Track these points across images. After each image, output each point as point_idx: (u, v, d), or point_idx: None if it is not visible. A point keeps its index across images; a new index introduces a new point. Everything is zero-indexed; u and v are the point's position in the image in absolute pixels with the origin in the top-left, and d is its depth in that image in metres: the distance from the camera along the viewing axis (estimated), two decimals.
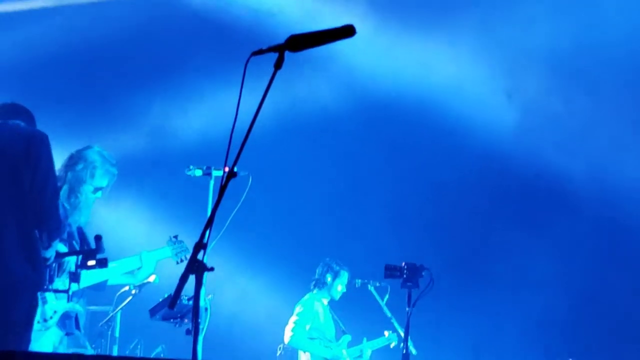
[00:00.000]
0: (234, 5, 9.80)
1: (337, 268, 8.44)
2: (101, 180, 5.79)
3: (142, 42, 9.83)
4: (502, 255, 9.62)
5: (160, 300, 6.05)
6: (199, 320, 3.53)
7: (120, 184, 6.16)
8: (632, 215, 9.11)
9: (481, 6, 9.58)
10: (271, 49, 3.12)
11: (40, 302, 5.21)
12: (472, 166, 9.73)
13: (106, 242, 5.47)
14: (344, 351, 8.34)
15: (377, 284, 8.40)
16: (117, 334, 7.97)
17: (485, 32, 9.54)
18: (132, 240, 8.83)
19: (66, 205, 5.65)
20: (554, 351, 9.10)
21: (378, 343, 8.52)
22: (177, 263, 6.37)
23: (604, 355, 9.14)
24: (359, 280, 8.45)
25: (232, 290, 9.65)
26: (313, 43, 3.15)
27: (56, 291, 5.37)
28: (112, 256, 5.77)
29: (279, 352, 8.62)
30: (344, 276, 8.46)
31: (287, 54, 3.11)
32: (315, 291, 8.46)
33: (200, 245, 3.18)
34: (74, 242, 5.65)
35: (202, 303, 5.81)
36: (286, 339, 8.19)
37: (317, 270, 8.52)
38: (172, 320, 6.06)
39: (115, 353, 7.84)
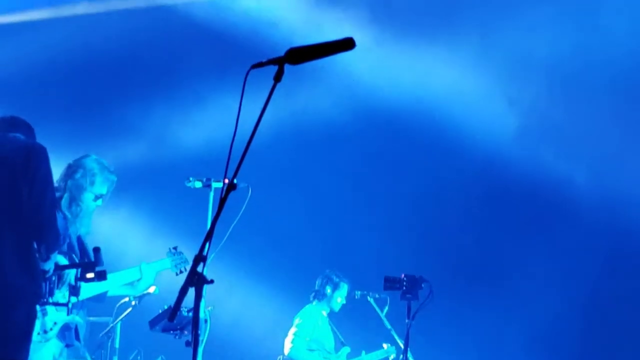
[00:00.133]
0: (235, 15, 9.79)
1: (337, 280, 8.42)
2: (101, 187, 5.78)
3: (142, 53, 9.83)
4: (503, 263, 9.58)
5: (160, 311, 6.04)
6: (199, 331, 3.51)
7: (120, 195, 6.15)
8: (633, 221, 9.10)
9: (482, 14, 9.56)
10: (271, 62, 3.11)
11: (40, 314, 5.20)
12: (474, 174, 9.71)
13: (106, 254, 5.44)
14: None
15: (377, 296, 8.38)
16: (117, 345, 7.95)
17: (486, 40, 9.53)
18: (132, 251, 8.83)
19: (68, 214, 5.64)
20: None
21: (377, 355, 8.48)
22: (177, 274, 6.38)
23: None
24: (359, 292, 8.43)
25: (232, 301, 9.62)
26: (312, 56, 3.15)
27: (56, 304, 5.35)
28: (111, 267, 5.75)
29: None
30: (344, 288, 8.43)
31: (286, 66, 3.11)
32: (314, 303, 8.43)
33: (199, 258, 3.16)
34: (73, 255, 5.62)
35: (201, 315, 5.81)
36: (286, 351, 8.17)
37: (316, 282, 8.50)
38: (172, 331, 6.05)
39: None
